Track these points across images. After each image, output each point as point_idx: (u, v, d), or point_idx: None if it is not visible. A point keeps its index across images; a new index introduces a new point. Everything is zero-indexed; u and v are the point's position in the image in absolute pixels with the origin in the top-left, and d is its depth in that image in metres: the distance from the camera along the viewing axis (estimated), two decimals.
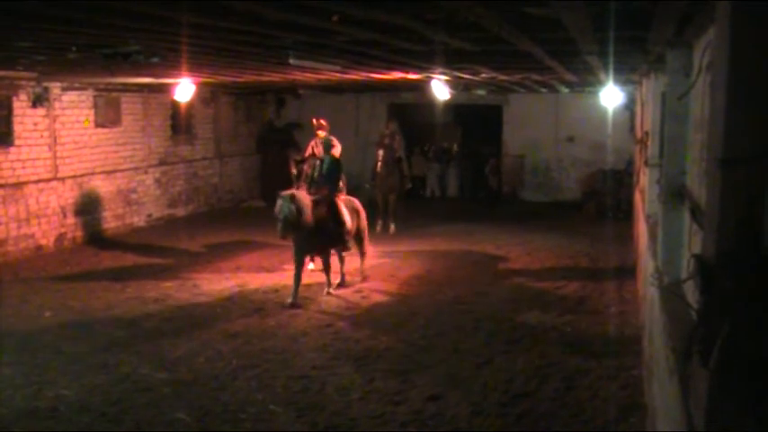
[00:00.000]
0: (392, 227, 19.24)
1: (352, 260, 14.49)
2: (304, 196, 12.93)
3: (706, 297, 3.05)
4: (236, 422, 8.10)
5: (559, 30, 6.66)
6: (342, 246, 13.74)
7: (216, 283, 14.05)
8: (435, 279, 14.53)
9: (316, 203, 13.04)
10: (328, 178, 13.65)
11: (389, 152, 19.10)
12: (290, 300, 12.60)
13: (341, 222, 13.37)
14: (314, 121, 15.74)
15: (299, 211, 12.43)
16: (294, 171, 15.41)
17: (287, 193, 12.77)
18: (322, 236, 12.98)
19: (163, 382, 9.24)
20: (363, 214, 14.35)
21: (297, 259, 12.96)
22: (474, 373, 9.52)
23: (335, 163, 13.87)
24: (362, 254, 14.56)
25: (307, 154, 15.56)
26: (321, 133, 15.50)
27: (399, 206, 19.59)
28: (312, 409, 8.41)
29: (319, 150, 15.52)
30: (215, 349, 10.47)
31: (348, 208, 13.78)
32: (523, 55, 9.28)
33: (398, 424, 8.06)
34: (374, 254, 16.56)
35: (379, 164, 19.02)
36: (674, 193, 6.86)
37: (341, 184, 14.14)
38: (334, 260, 13.78)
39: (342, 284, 13.83)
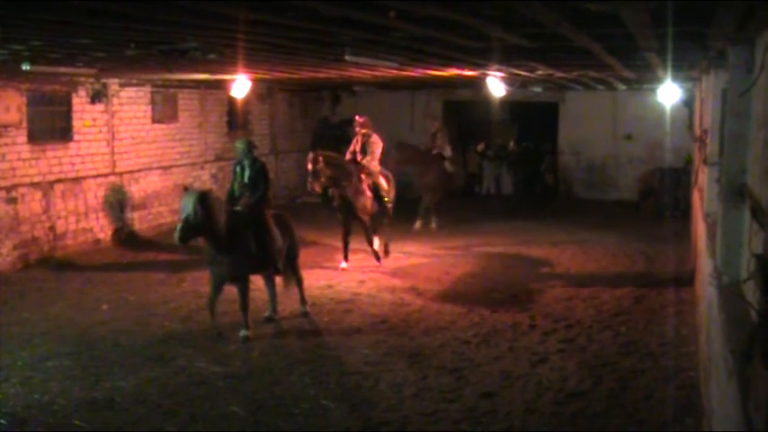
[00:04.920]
0: (433, 224, 19.27)
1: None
2: (220, 201, 10.82)
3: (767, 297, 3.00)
4: (290, 417, 8.15)
5: (618, 26, 6.58)
6: (269, 270, 11.45)
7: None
8: (490, 277, 14.46)
9: (239, 217, 10.91)
10: (252, 187, 11.27)
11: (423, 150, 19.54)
12: (243, 333, 10.70)
13: (268, 242, 11.06)
14: (356, 118, 15.72)
15: (209, 216, 10.11)
16: (310, 167, 14.35)
17: (199, 189, 10.99)
18: (244, 257, 10.79)
19: (217, 375, 9.33)
20: (295, 233, 12.03)
21: (212, 285, 10.91)
22: (528, 372, 9.47)
23: (260, 168, 11.40)
24: (298, 280, 12.02)
25: (349, 153, 15.45)
26: (362, 131, 15.40)
27: (438, 204, 19.52)
28: (365, 405, 8.43)
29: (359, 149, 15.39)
30: (269, 344, 10.56)
31: (278, 225, 11.46)
32: (581, 51, 9.18)
33: (451, 421, 8.05)
34: (428, 251, 16.57)
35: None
36: (734, 192, 6.75)
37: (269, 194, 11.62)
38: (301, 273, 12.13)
39: (272, 319, 11.64)
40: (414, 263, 15.56)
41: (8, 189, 14.75)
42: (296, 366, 9.63)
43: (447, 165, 19.67)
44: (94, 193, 16.95)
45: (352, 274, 14.42)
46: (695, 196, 15.25)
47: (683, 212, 19.59)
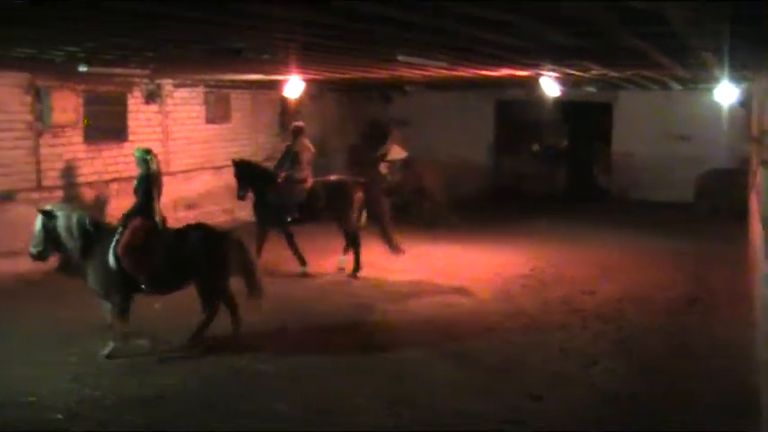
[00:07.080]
0: None
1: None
2: (75, 216, 9.77)
3: None
4: (331, 415, 8.17)
5: (665, 24, 6.51)
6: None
7: (313, 275, 14.36)
8: (541, 277, 14.37)
9: (107, 231, 9.97)
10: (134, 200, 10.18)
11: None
12: (105, 351, 9.81)
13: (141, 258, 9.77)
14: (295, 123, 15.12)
15: (51, 234, 9.40)
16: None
17: (54, 206, 9.97)
18: (101, 274, 9.81)
19: (263, 373, 9.40)
20: (227, 254, 10.36)
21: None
22: (578, 374, 9.40)
23: (141, 179, 10.07)
24: (208, 308, 10.32)
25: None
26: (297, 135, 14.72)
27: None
28: (405, 405, 8.40)
29: (307, 156, 14.63)
30: (312, 343, 10.57)
31: (189, 241, 10.14)
32: (631, 50, 9.10)
33: (496, 422, 8.00)
34: (478, 251, 16.50)
35: None
36: None
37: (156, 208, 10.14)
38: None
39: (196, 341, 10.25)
40: (462, 263, 15.49)
41: (65, 188, 14.98)
42: (339, 365, 9.67)
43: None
44: None
45: (401, 275, 14.35)
46: (752, 197, 15.02)
47: (739, 214, 19.27)
